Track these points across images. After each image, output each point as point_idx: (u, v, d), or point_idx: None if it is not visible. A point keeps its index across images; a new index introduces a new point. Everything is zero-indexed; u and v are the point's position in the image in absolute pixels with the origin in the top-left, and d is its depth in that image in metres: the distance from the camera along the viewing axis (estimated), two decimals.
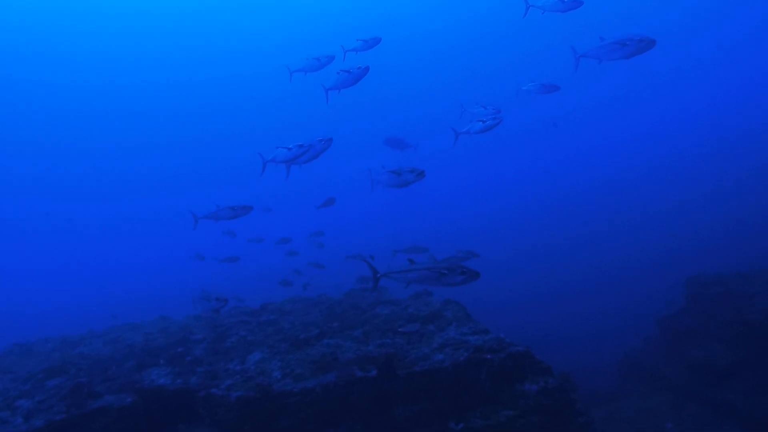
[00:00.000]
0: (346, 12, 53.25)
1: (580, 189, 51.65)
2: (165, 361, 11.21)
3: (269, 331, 12.32)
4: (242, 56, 59.10)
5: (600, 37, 9.27)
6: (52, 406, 9.44)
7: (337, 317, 12.23)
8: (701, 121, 58.31)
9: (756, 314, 14.17)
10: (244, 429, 8.75)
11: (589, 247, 39.44)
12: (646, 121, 60.00)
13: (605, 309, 26.58)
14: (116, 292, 39.55)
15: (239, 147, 56.91)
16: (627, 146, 58.58)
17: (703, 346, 15.07)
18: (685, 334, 15.92)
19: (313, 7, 54.65)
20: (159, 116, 63.18)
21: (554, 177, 55.82)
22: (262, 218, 19.23)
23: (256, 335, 12.26)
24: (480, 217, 50.26)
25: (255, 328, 12.69)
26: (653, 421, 13.14)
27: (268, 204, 20.45)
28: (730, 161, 46.47)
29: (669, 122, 59.38)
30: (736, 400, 12.79)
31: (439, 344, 9.42)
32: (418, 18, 55.33)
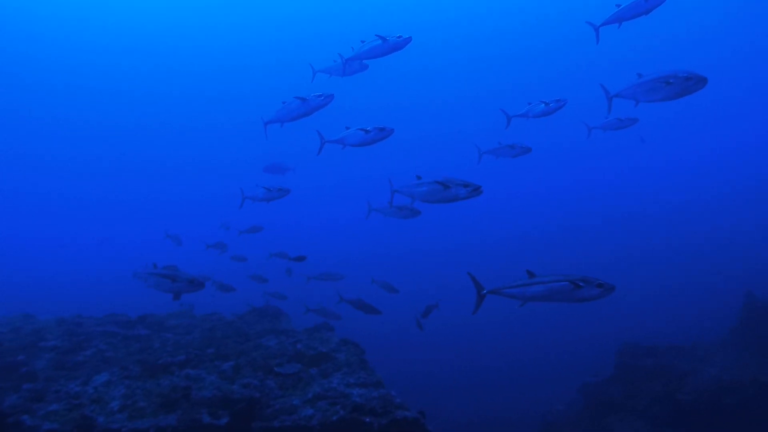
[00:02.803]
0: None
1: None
2: None
3: (134, 348, 10.44)
4: (254, 48, 57.72)
5: (638, 74, 7.58)
6: None
7: (216, 342, 10.43)
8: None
9: (686, 395, 13.01)
10: None
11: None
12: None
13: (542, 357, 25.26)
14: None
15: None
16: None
17: (626, 421, 13.83)
18: (608, 406, 14.62)
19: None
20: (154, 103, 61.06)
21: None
22: (222, 234, 17.88)
23: (117, 351, 10.37)
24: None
25: (119, 343, 10.78)
26: None
27: (228, 221, 18.56)
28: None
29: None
30: None
31: (316, 395, 7.74)
32: (444, 20, 53.68)
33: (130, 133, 60.22)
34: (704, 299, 25.24)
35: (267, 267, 14.99)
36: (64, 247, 48.17)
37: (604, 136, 11.93)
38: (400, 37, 9.52)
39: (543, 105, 10.71)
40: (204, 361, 9.20)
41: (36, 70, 55.63)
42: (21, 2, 50.58)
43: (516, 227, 48.53)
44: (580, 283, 5.73)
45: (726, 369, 13.51)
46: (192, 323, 12.64)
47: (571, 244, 42.63)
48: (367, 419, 6.94)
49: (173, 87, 59.73)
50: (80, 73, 56.48)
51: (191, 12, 54.43)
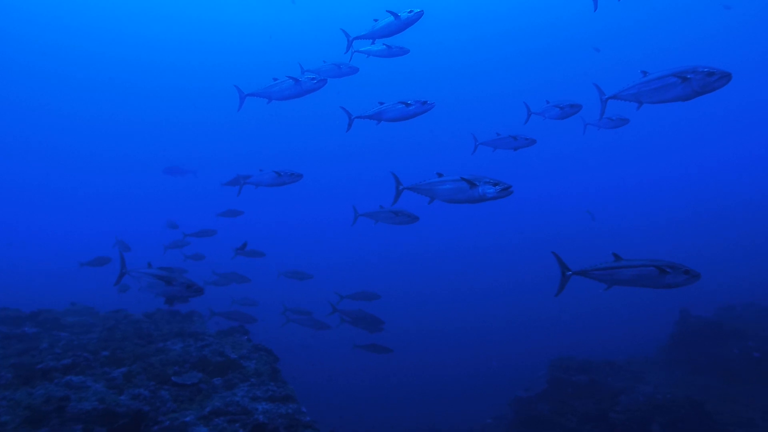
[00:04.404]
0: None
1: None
2: None
3: (13, 349, 9.17)
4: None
5: (642, 71, 6.69)
6: None
7: (113, 344, 9.27)
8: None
9: (619, 414, 12.50)
10: None
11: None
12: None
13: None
14: None
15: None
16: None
17: None
18: (538, 422, 14.06)
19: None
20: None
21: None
22: (169, 234, 16.53)
23: None
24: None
25: None
26: None
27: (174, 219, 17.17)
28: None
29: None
30: None
31: (214, 410, 6.75)
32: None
33: (84, 123, 57.96)
34: (640, 315, 25.23)
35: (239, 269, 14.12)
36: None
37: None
38: (411, 11, 9.36)
39: (558, 109, 10.18)
40: (93, 366, 8.07)
41: None
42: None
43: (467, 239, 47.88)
44: (668, 269, 5.66)
45: (659, 387, 13.17)
46: (94, 322, 11.41)
47: (512, 258, 42.38)
48: None
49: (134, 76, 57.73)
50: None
51: (188, 11, 52.93)
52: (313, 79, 9.29)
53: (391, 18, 9.60)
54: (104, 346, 9.12)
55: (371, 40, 10.58)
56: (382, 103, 8.99)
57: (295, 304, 14.07)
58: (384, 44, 10.87)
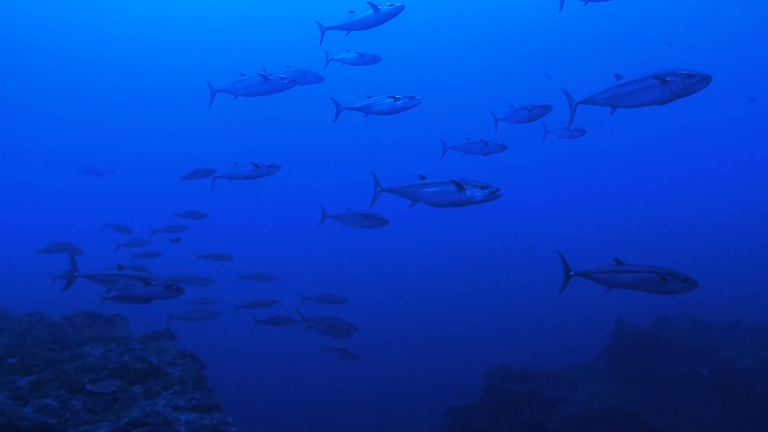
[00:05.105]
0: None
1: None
2: None
3: None
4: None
5: (616, 75, 6.48)
6: None
7: (23, 350, 8.52)
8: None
9: (556, 423, 12.41)
10: None
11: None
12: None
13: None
14: None
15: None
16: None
17: None
18: None
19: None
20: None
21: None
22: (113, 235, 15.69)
23: None
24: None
25: None
26: None
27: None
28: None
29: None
30: None
31: (132, 421, 6.18)
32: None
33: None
34: (577, 324, 25.44)
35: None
36: None
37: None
38: (392, 5, 9.19)
39: (526, 111, 9.92)
40: None
41: None
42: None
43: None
44: (666, 276, 5.91)
45: (596, 397, 13.14)
46: (4, 326, 10.52)
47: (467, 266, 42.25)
48: None
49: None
50: None
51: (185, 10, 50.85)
52: (282, 78, 9.37)
53: (371, 10, 9.41)
54: (12, 353, 8.34)
55: (345, 32, 10.31)
56: (370, 97, 8.95)
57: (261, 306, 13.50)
58: (357, 52, 10.89)
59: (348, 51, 11.04)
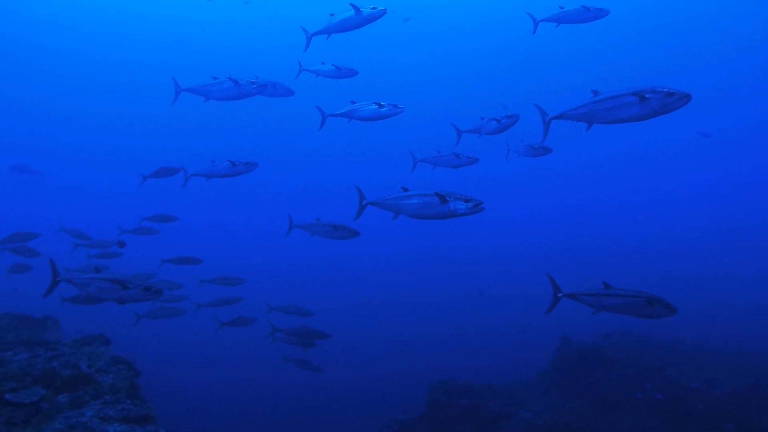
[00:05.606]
0: None
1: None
2: None
3: None
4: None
5: (593, 91, 6.25)
6: None
7: None
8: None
9: None
10: None
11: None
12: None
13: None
14: None
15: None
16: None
17: None
18: None
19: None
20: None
21: None
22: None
23: None
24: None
25: None
26: None
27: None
28: None
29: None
30: None
31: None
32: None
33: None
34: (524, 339, 25.55)
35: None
36: None
37: None
38: (374, 8, 9.11)
39: (495, 122, 9.93)
40: None
41: None
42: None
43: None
44: (653, 302, 6.20)
45: (540, 413, 13.13)
46: None
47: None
48: None
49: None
50: None
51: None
52: (253, 83, 9.37)
53: (352, 12, 9.27)
54: None
55: (326, 35, 10.12)
56: (354, 103, 8.99)
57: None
58: (333, 65, 10.75)
59: (323, 63, 10.86)
